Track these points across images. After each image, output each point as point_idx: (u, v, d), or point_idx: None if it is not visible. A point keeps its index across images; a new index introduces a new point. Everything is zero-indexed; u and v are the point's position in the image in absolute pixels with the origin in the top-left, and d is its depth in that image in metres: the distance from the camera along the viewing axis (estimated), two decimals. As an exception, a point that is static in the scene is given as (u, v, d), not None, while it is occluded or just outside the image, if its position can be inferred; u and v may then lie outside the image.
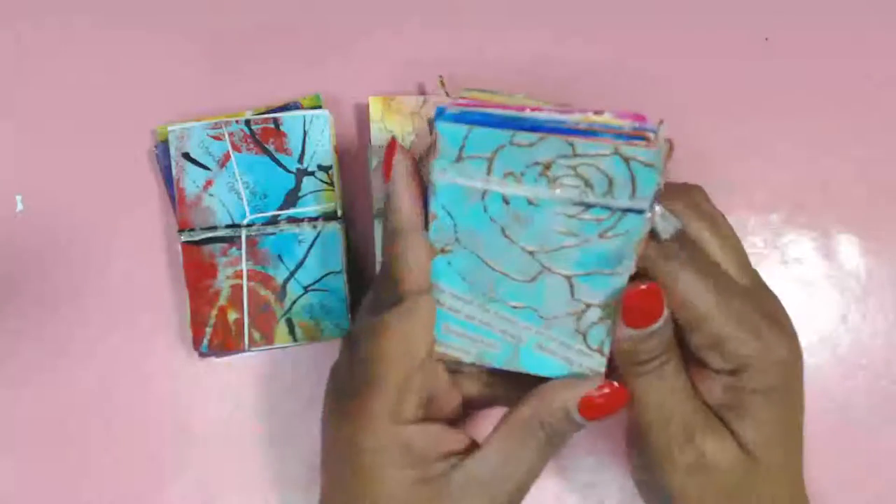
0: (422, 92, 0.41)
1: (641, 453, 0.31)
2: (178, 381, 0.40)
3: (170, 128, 0.39)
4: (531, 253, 0.29)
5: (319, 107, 0.40)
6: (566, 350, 0.31)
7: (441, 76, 0.39)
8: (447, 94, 0.39)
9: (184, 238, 0.39)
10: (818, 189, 0.41)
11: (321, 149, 0.39)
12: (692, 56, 0.41)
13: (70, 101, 0.41)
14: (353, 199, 0.41)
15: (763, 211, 0.41)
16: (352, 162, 0.41)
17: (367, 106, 0.39)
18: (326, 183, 0.39)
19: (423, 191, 0.30)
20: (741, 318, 0.30)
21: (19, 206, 0.41)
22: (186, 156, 0.39)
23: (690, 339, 0.30)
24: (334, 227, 0.39)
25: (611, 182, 0.27)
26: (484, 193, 0.29)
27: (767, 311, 0.31)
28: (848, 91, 0.41)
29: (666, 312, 0.29)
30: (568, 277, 0.30)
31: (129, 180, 0.41)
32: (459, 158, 0.28)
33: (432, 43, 0.41)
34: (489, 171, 0.28)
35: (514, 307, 0.30)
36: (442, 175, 0.29)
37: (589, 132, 0.27)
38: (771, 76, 0.41)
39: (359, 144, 0.41)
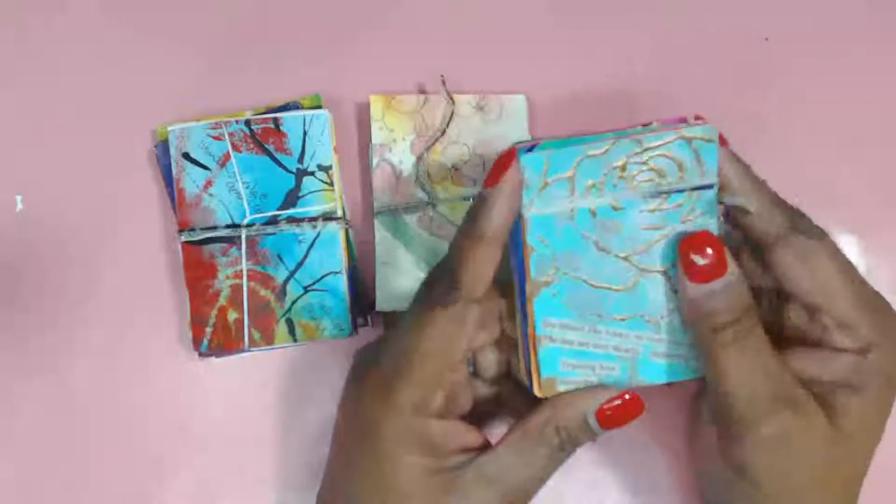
0: (422, 92, 0.41)
1: (719, 428, 0.31)
2: (178, 381, 0.40)
3: (170, 128, 0.39)
4: (625, 258, 0.31)
5: (319, 107, 0.40)
6: (679, 348, 0.32)
7: (442, 76, 0.39)
8: (448, 94, 0.39)
9: (184, 238, 0.39)
10: (818, 189, 0.41)
11: (321, 149, 0.39)
12: (691, 56, 0.41)
13: (70, 100, 0.41)
14: (353, 199, 0.41)
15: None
16: (352, 162, 0.41)
17: (368, 105, 0.39)
18: (326, 183, 0.39)
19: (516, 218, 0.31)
20: (872, 301, 0.31)
21: (19, 206, 0.41)
22: (186, 156, 0.39)
23: (820, 318, 0.31)
24: (334, 227, 0.39)
25: (681, 166, 0.30)
26: (572, 213, 0.31)
27: (878, 294, 0.32)
28: (848, 91, 0.41)
29: (734, 268, 0.30)
30: (663, 272, 0.31)
31: (129, 180, 0.41)
32: (544, 185, 0.30)
33: (432, 43, 0.41)
34: (572, 190, 0.30)
35: (622, 319, 0.31)
36: (530, 208, 0.30)
37: (649, 130, 0.31)
38: (771, 76, 0.41)
39: (359, 144, 0.41)
